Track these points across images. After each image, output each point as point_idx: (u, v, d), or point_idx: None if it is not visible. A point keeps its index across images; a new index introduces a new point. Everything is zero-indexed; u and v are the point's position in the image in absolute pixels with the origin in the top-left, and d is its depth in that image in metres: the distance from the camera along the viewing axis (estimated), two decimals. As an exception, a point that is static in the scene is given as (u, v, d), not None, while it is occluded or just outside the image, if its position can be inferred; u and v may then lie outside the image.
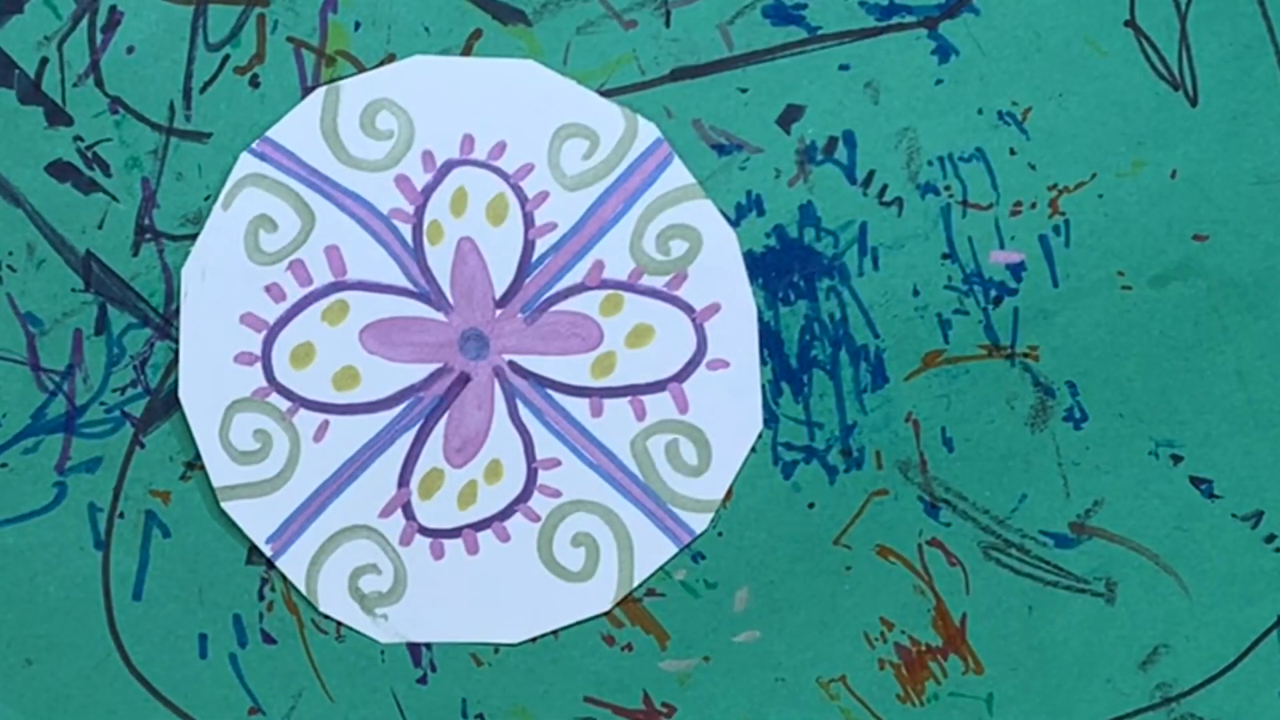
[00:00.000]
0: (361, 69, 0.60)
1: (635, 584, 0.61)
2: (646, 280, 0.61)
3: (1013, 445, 0.61)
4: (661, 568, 0.61)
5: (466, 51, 0.60)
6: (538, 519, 0.61)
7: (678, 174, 0.60)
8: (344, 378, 0.61)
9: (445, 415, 0.61)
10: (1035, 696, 0.62)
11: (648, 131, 0.60)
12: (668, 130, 0.60)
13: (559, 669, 0.62)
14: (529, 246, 0.60)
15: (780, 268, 0.61)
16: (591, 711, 0.62)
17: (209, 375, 0.61)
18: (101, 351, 0.61)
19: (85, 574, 0.61)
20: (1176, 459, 0.61)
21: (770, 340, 0.61)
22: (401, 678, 0.62)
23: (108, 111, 0.60)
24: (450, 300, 0.61)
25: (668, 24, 0.60)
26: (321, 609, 0.61)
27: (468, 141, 0.60)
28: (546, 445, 0.61)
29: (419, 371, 0.61)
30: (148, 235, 0.60)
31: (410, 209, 0.60)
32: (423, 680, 0.62)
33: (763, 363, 0.61)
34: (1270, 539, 0.62)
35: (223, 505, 0.61)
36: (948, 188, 0.60)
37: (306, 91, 0.60)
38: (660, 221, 0.60)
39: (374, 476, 0.61)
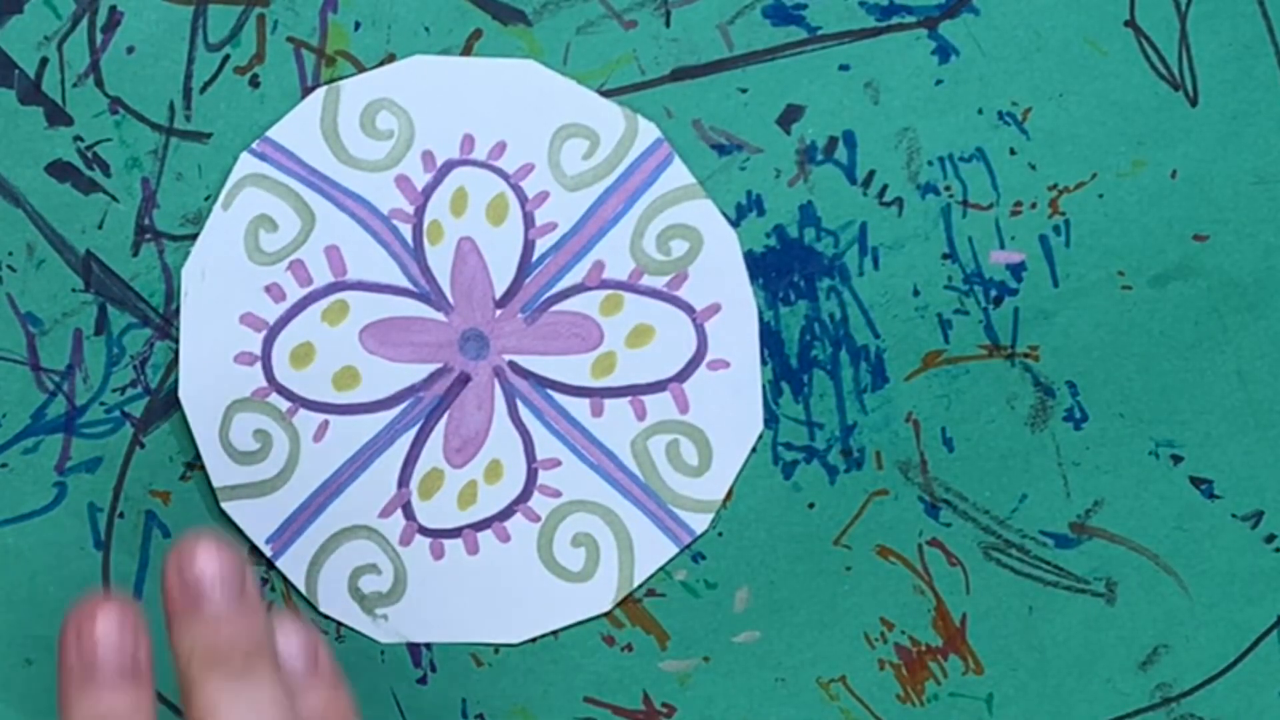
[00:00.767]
0: (361, 69, 0.60)
1: (636, 584, 0.62)
2: (647, 280, 0.61)
3: (1013, 445, 0.61)
4: (662, 568, 0.61)
5: (466, 51, 0.60)
6: (538, 519, 0.61)
7: (678, 174, 0.60)
8: (344, 378, 0.61)
9: (445, 415, 0.61)
10: (1035, 696, 0.62)
11: (648, 131, 0.60)
12: (668, 130, 0.60)
13: (559, 669, 0.62)
14: (529, 246, 0.60)
15: (780, 268, 0.61)
16: (591, 712, 0.62)
17: (209, 375, 0.61)
18: (101, 351, 0.61)
19: (85, 574, 0.61)
20: (1177, 459, 0.61)
21: (770, 340, 0.61)
22: (401, 678, 0.62)
23: (108, 111, 0.60)
24: (450, 300, 0.61)
25: (668, 24, 0.60)
26: (321, 609, 0.61)
27: (468, 141, 0.60)
28: (547, 445, 0.61)
29: (419, 371, 0.61)
30: (148, 235, 0.60)
31: (410, 209, 0.60)
32: (423, 680, 0.62)
33: (763, 363, 0.61)
34: (1270, 539, 0.62)
35: (222, 505, 0.61)
36: (948, 188, 0.60)
37: (306, 91, 0.60)
38: (660, 221, 0.60)
39: (374, 477, 0.61)
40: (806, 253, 0.61)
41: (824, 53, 0.60)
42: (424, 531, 0.61)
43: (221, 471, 0.61)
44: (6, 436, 0.61)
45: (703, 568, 0.62)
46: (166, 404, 0.61)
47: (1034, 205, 0.60)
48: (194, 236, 0.60)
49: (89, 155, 0.60)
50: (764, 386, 0.61)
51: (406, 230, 0.60)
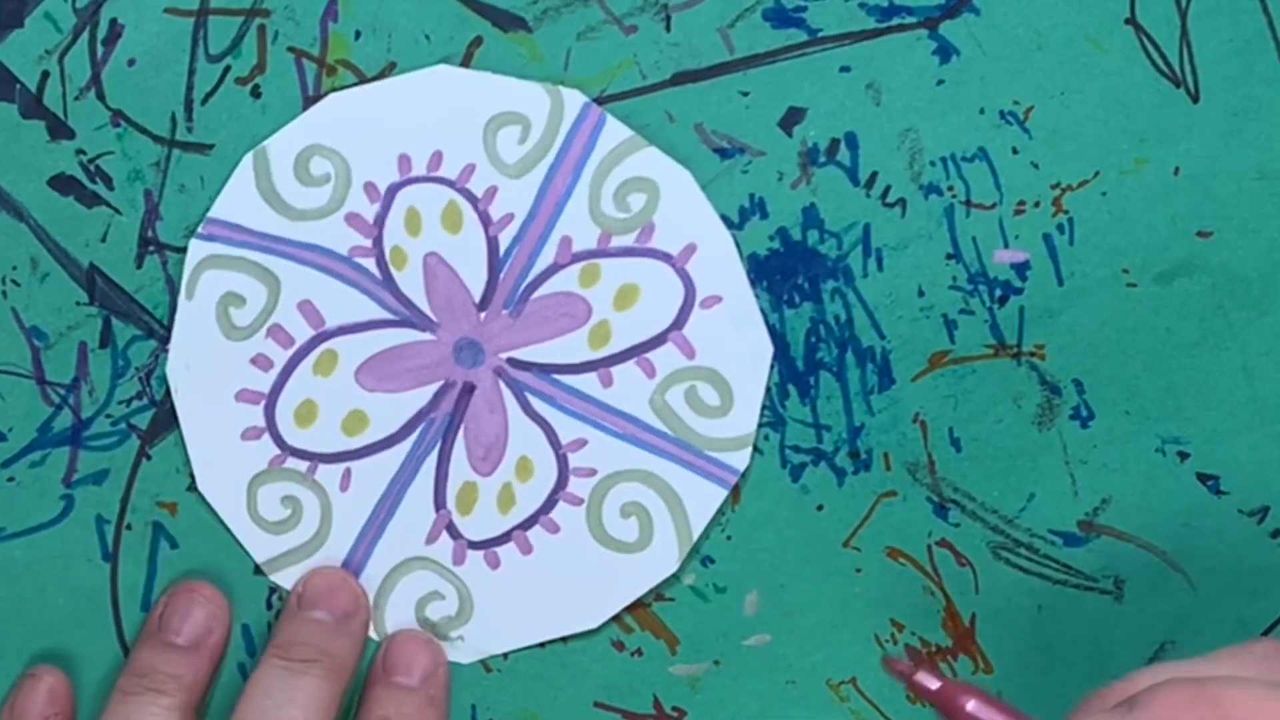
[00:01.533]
0: (363, 78, 0.60)
1: (695, 537, 0.61)
2: (616, 242, 0.60)
3: (1020, 444, 0.61)
4: (720, 512, 0.61)
5: (467, 59, 0.60)
6: (581, 502, 0.61)
7: (615, 131, 0.60)
8: (352, 422, 0.61)
9: (461, 429, 0.61)
10: (1044, 695, 0.62)
11: (574, 99, 0.60)
12: (670, 135, 0.60)
13: (568, 674, 0.62)
14: (493, 243, 0.60)
15: (784, 270, 0.61)
16: (602, 716, 0.63)
17: (222, 460, 0.61)
18: (106, 364, 0.61)
19: (93, 586, 0.61)
20: (1183, 456, 0.62)
21: (776, 343, 0.61)
22: (410, 685, 0.62)
23: (109, 124, 0.60)
24: (433, 317, 0.61)
25: (668, 28, 0.60)
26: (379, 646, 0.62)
27: (404, 161, 0.60)
28: (568, 429, 0.61)
29: (423, 395, 0.61)
30: (151, 247, 0.60)
31: (368, 242, 0.60)
32: (432, 687, 0.62)
33: (769, 365, 0.61)
34: (1276, 534, 0.62)
35: (271, 578, 0.61)
36: (951, 188, 0.60)
37: (309, 102, 0.60)
38: (612, 181, 0.60)
39: (410, 508, 0.61)
40: (810, 255, 0.61)
41: (825, 55, 0.60)
42: (474, 545, 0.61)
43: (261, 547, 0.61)
44: (13, 450, 0.61)
45: (712, 571, 0.62)
46: (172, 415, 0.61)
47: (1037, 204, 0.60)
48: (198, 248, 0.60)
49: (91, 168, 0.60)
50: (770, 389, 0.61)
51: (370, 264, 0.60)
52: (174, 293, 0.60)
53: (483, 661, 0.62)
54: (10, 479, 0.61)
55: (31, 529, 0.61)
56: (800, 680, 0.62)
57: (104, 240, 0.60)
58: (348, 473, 0.61)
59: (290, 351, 0.60)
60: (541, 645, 0.62)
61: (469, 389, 0.61)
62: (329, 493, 0.61)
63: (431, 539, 0.61)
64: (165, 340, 0.61)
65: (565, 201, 0.60)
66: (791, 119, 0.60)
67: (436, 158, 0.60)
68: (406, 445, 0.61)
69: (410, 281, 0.60)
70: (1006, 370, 0.61)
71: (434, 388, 0.61)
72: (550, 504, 0.61)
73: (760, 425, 0.61)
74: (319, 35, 0.60)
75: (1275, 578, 0.62)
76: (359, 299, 0.60)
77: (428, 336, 0.61)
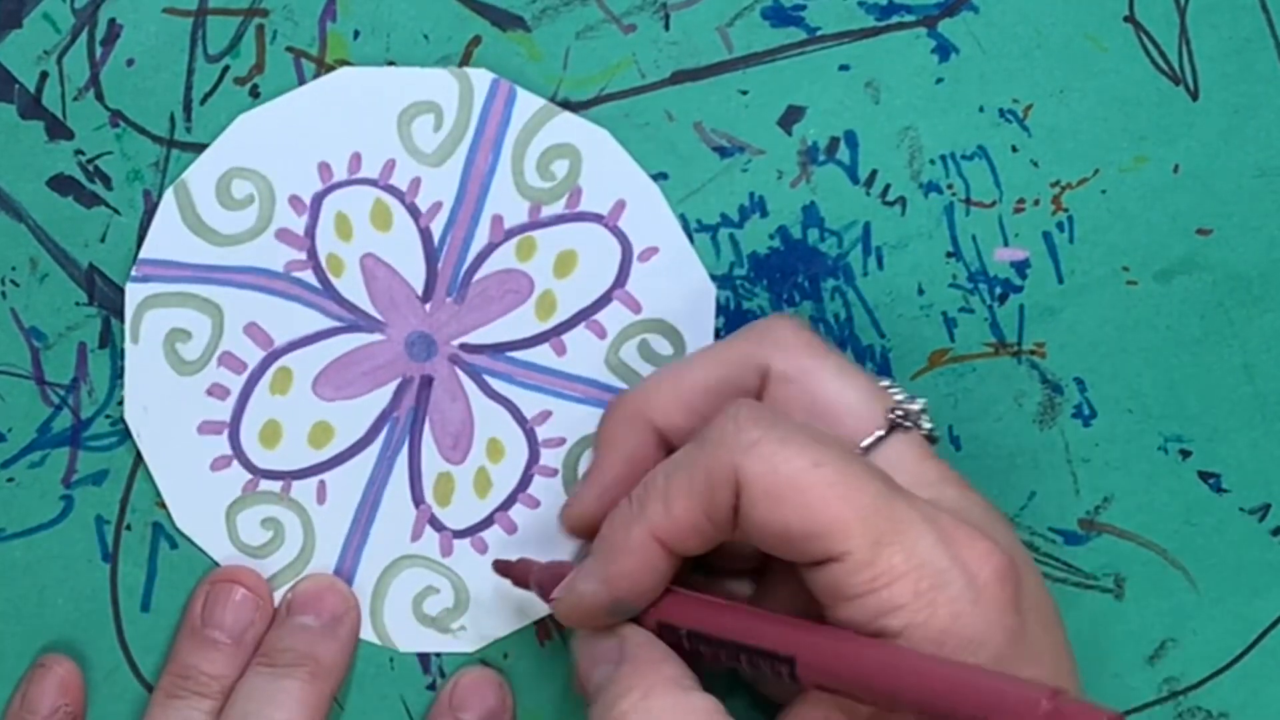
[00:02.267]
0: (362, 77, 0.60)
1: None
2: (547, 211, 0.60)
3: (1021, 443, 0.61)
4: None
5: (466, 58, 0.60)
6: (555, 473, 0.61)
7: (528, 103, 0.60)
8: (318, 435, 0.61)
9: (426, 422, 0.61)
10: (1045, 692, 0.62)
11: (482, 78, 0.60)
12: (669, 134, 0.60)
13: (569, 673, 0.62)
14: (426, 234, 0.60)
15: (784, 269, 0.61)
16: (603, 716, 0.62)
17: (196, 494, 0.61)
18: (106, 364, 0.61)
19: (93, 586, 0.61)
20: (1185, 454, 0.61)
21: (776, 342, 0.61)
22: (410, 685, 0.62)
23: (108, 124, 0.59)
24: (379, 317, 0.61)
25: (667, 27, 0.60)
26: (403, 650, 0.61)
27: (324, 169, 0.60)
28: (530, 403, 0.61)
29: (383, 396, 0.61)
30: (150, 247, 0.60)
31: (303, 255, 0.60)
32: (431, 687, 0.62)
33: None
34: (1277, 532, 0.62)
35: None
36: (950, 186, 0.60)
37: (308, 101, 0.60)
38: (532, 152, 0.60)
39: (390, 509, 0.61)
40: (810, 254, 0.61)
41: (824, 53, 0.60)
42: (459, 535, 0.61)
43: None
44: (13, 451, 0.61)
45: (712, 570, 0.62)
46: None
47: (1037, 202, 0.60)
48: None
49: (90, 169, 0.60)
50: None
51: (308, 276, 0.60)
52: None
53: (482, 661, 0.62)
54: (10, 479, 0.61)
55: (31, 529, 0.61)
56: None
57: (103, 240, 0.60)
58: (322, 485, 0.61)
59: (244, 376, 0.61)
60: (541, 643, 0.62)
61: (427, 381, 0.61)
62: (307, 508, 0.61)
63: (416, 535, 0.61)
64: (164, 340, 0.61)
65: (490, 180, 0.60)
66: (791, 117, 0.60)
67: (355, 159, 0.60)
68: (375, 448, 0.61)
69: (350, 286, 0.60)
70: (1007, 369, 0.61)
71: (393, 386, 0.61)
72: (526, 480, 0.61)
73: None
74: (318, 35, 0.60)
75: (1276, 575, 0.62)
76: (303, 312, 0.60)
77: (377, 337, 0.61)
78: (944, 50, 0.60)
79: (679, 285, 0.60)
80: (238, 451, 0.61)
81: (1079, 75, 0.60)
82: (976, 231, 0.61)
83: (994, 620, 0.49)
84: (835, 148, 0.60)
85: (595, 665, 0.55)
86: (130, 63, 0.59)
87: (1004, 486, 0.61)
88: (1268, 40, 0.60)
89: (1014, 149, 0.60)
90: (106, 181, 0.60)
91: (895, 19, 0.60)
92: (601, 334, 0.61)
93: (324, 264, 0.60)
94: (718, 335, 0.61)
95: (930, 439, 0.55)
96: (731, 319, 0.61)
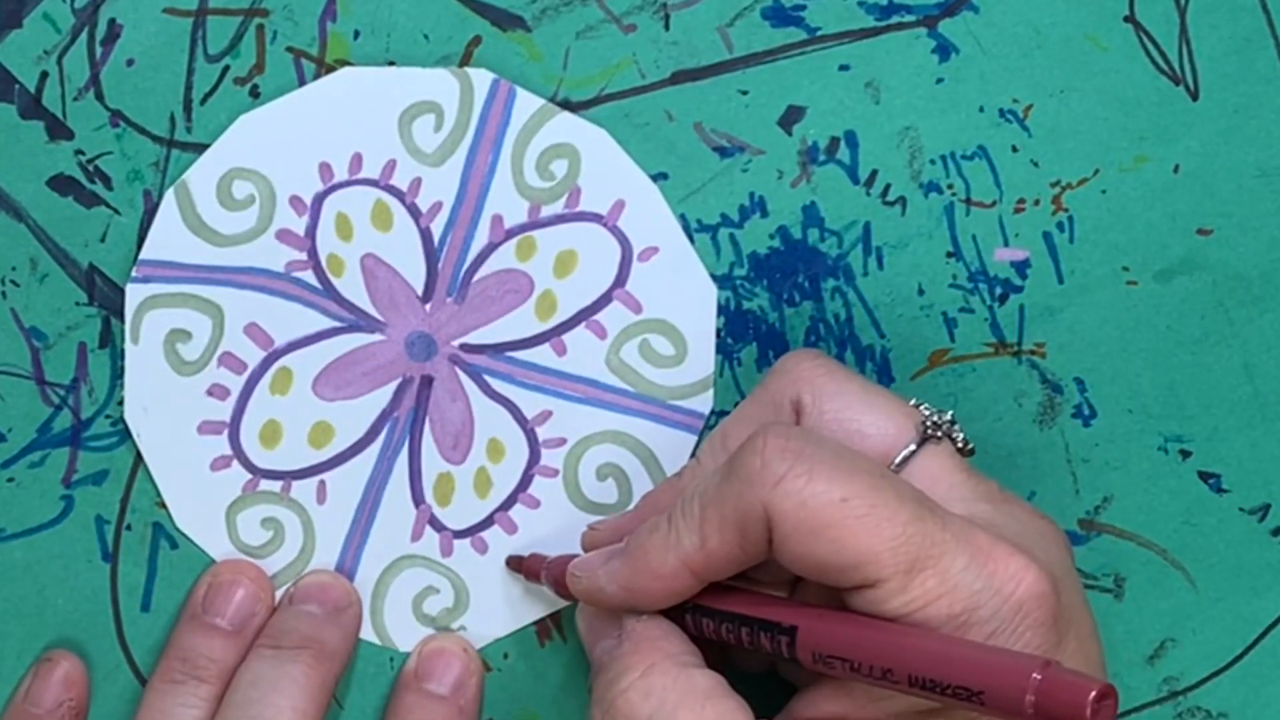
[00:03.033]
0: (362, 77, 0.60)
1: None
2: (546, 211, 0.60)
3: (1021, 443, 0.61)
4: (694, 456, 0.61)
5: (466, 58, 0.60)
6: (556, 473, 0.61)
7: (527, 103, 0.60)
8: (318, 435, 0.61)
9: (427, 422, 0.61)
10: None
11: (482, 78, 0.60)
12: (669, 134, 0.60)
13: (569, 673, 0.62)
14: (426, 234, 0.60)
15: (785, 269, 0.61)
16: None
17: (196, 494, 0.61)
18: (106, 364, 0.61)
19: (93, 586, 0.61)
20: (1185, 454, 0.61)
21: (776, 342, 0.61)
22: (411, 685, 0.62)
23: (108, 124, 0.59)
24: (379, 318, 0.61)
25: (667, 27, 0.60)
26: (403, 650, 0.61)
27: (325, 170, 0.60)
28: (531, 403, 0.61)
29: (383, 395, 0.61)
30: (150, 247, 0.60)
31: (303, 255, 0.60)
32: (432, 687, 0.62)
33: (768, 363, 0.61)
34: (1277, 532, 0.62)
35: None
36: (950, 186, 0.60)
37: (308, 101, 0.60)
38: (532, 152, 0.60)
39: (390, 508, 0.61)
40: (810, 253, 0.61)
41: (824, 53, 0.60)
42: (459, 535, 0.61)
43: None
44: (13, 451, 0.61)
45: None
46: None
47: (1037, 202, 0.60)
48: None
49: (90, 169, 0.60)
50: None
51: (308, 276, 0.60)
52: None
53: (483, 660, 0.62)
54: (10, 479, 0.61)
55: (31, 529, 0.61)
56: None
57: (103, 240, 0.60)
58: (322, 485, 0.61)
59: (244, 376, 0.60)
60: (541, 644, 0.62)
61: (428, 381, 0.61)
62: (307, 508, 0.61)
63: (416, 535, 0.61)
64: (165, 340, 0.61)
65: (490, 180, 0.60)
66: (791, 117, 0.60)
67: (356, 160, 0.60)
68: (375, 448, 0.61)
69: (351, 286, 0.60)
70: (1007, 369, 0.61)
71: (393, 386, 0.61)
72: (526, 480, 0.61)
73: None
74: (318, 35, 0.60)
75: (1276, 575, 0.62)
76: (303, 312, 0.60)
77: (378, 337, 0.61)
78: (944, 50, 0.60)
79: (679, 285, 0.60)
80: (238, 451, 0.61)
81: (1079, 75, 0.60)
82: (977, 231, 0.61)
83: (1029, 640, 0.49)
84: (835, 148, 0.60)
85: (598, 640, 0.55)
86: (130, 63, 0.59)
87: (1004, 486, 0.61)
88: (1268, 40, 0.60)
89: (1014, 149, 0.60)
90: (106, 181, 0.60)
91: (895, 19, 0.60)
92: (602, 334, 0.61)
93: (324, 264, 0.60)
94: (718, 335, 0.61)
95: (964, 451, 0.55)
96: (732, 319, 0.61)
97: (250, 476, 0.61)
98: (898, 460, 0.54)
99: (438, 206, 0.60)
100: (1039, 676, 0.45)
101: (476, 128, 0.60)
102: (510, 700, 0.62)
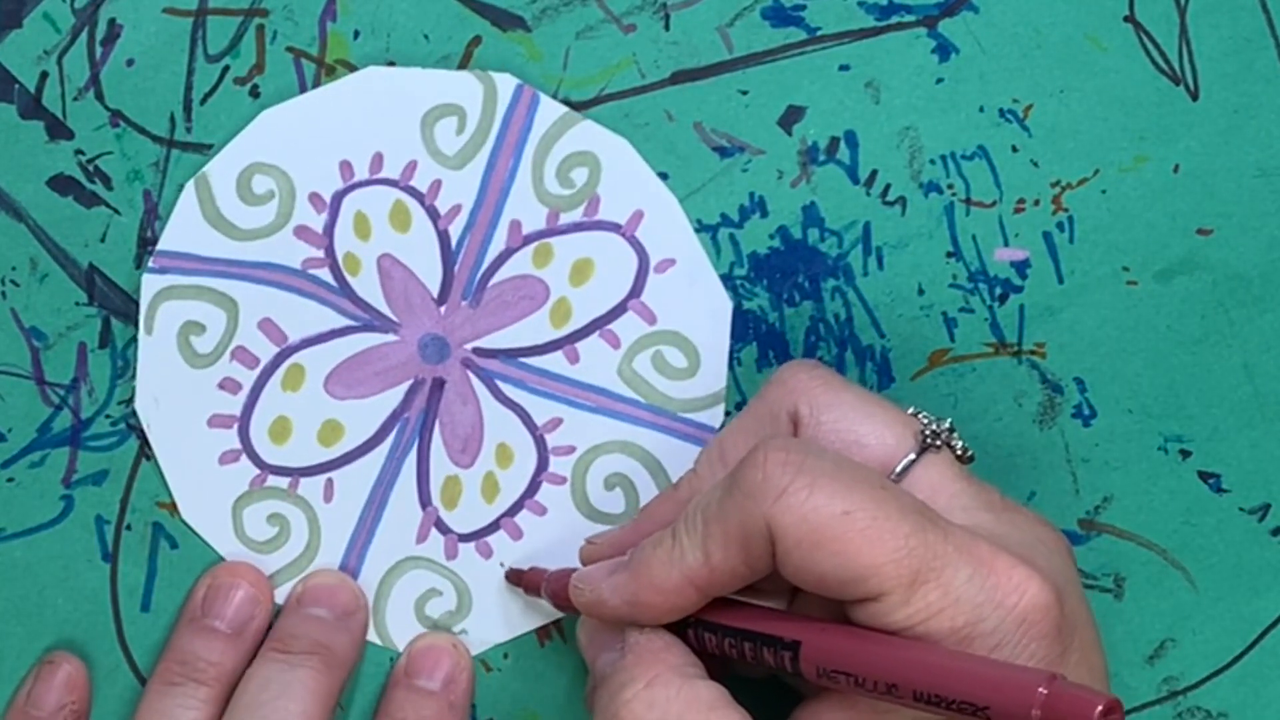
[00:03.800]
0: (362, 77, 0.60)
1: None
2: (565, 218, 0.60)
3: (1021, 443, 0.61)
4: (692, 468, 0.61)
5: (466, 58, 0.60)
6: (564, 480, 0.61)
7: (550, 110, 0.60)
8: (328, 433, 0.61)
9: (436, 424, 0.61)
10: (1045, 692, 0.62)
11: (506, 83, 0.60)
12: (669, 134, 0.60)
13: (568, 674, 0.62)
14: (444, 237, 0.60)
15: (785, 269, 0.61)
16: (603, 716, 0.62)
17: (203, 487, 0.61)
18: (106, 364, 0.61)
19: (93, 586, 0.61)
20: (1185, 454, 0.61)
21: (776, 342, 0.61)
22: (411, 685, 0.62)
23: (108, 124, 0.59)
24: (394, 318, 0.61)
25: (667, 27, 0.60)
26: (403, 651, 0.61)
27: (345, 168, 0.60)
28: (541, 410, 0.61)
29: (394, 396, 0.61)
30: (150, 248, 0.60)
31: (320, 253, 0.60)
32: (432, 687, 0.62)
33: (768, 364, 0.61)
34: (1276, 532, 0.62)
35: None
36: (950, 186, 0.60)
37: (308, 102, 0.60)
38: (553, 159, 0.60)
39: (396, 509, 0.61)
40: (810, 253, 0.61)
41: (824, 53, 0.60)
42: (464, 538, 0.61)
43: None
44: (13, 451, 0.61)
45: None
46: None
47: (1037, 202, 0.60)
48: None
49: (90, 169, 0.60)
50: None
51: (324, 274, 0.60)
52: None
53: (483, 661, 0.62)
54: (10, 479, 0.61)
55: (31, 529, 0.61)
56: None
57: (103, 240, 0.60)
58: (330, 483, 0.61)
59: (256, 371, 0.60)
60: (541, 644, 0.62)
61: (439, 384, 0.61)
62: (314, 505, 0.61)
63: (421, 537, 0.61)
64: (165, 340, 0.61)
65: (510, 185, 0.60)
66: (791, 117, 0.60)
67: (377, 159, 0.60)
68: (384, 448, 0.61)
69: (367, 286, 0.60)
70: (1007, 369, 0.61)
71: (404, 387, 0.61)
72: (534, 487, 0.61)
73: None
74: (318, 35, 0.60)
75: (1276, 575, 0.62)
76: (318, 310, 0.60)
77: (391, 338, 0.61)
78: (944, 50, 0.60)
79: (694, 298, 0.60)
80: (247, 446, 0.61)
81: (1079, 75, 0.60)
82: (976, 231, 0.61)
83: (1033, 651, 0.49)
84: (835, 148, 0.60)
85: (600, 652, 0.55)
86: (130, 63, 0.59)
87: (1004, 487, 0.61)
88: (1268, 40, 0.60)
89: (1014, 149, 0.60)
90: (106, 181, 0.60)
91: (895, 19, 0.60)
92: (615, 343, 0.61)
93: (341, 262, 0.60)
94: (730, 347, 0.61)
95: (963, 458, 0.55)
96: (733, 320, 0.61)
97: (258, 472, 0.61)
98: (897, 470, 0.54)
99: (457, 209, 0.60)
100: (1045, 691, 0.45)
101: (499, 132, 0.60)
102: (510, 700, 0.62)
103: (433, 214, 0.60)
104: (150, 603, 0.61)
